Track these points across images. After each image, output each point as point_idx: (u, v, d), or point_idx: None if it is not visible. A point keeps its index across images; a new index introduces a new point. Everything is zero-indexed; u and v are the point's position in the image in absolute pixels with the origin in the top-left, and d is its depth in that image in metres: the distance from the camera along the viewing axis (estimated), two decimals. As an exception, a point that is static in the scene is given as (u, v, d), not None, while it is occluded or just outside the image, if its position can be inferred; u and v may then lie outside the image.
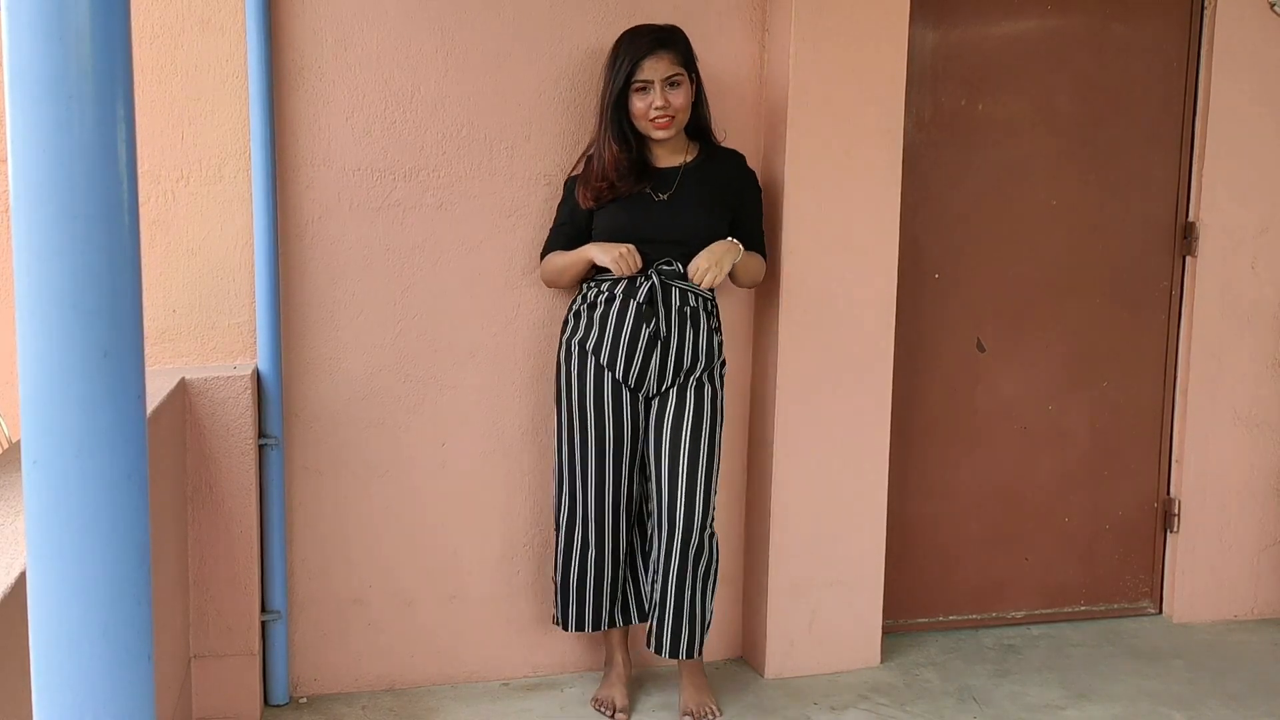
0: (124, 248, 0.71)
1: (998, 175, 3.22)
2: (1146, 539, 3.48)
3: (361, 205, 2.75)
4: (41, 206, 0.69)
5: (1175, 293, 3.40)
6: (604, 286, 2.67)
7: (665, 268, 2.63)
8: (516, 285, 2.86)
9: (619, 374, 2.65)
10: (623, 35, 2.65)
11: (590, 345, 2.67)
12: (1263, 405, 3.42)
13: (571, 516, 2.74)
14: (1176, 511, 3.43)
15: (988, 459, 3.31)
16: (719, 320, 2.75)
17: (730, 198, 2.71)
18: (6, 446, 2.49)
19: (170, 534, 2.40)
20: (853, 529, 3.02)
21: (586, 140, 2.84)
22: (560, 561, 2.78)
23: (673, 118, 2.61)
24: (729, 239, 2.66)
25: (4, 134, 0.73)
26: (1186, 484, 3.41)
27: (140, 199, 2.27)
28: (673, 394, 2.67)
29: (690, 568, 2.68)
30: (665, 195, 2.66)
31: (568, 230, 2.73)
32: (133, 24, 0.74)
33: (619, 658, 2.86)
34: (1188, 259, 3.37)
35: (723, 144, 2.78)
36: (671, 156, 2.70)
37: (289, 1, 2.66)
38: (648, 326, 2.62)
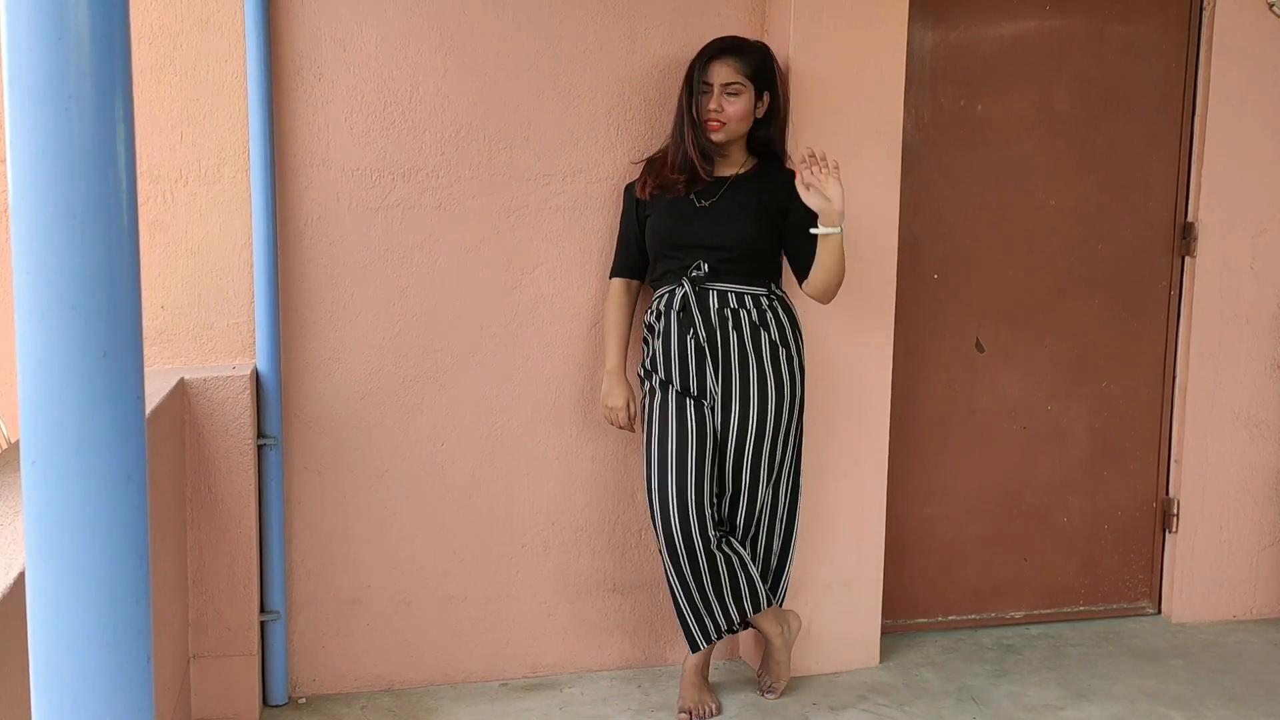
0: (123, 248, 0.71)
1: (997, 176, 3.22)
2: (1145, 539, 3.49)
3: (360, 205, 2.75)
4: (41, 207, 0.69)
5: (1174, 293, 3.40)
6: (657, 305, 2.73)
7: (695, 273, 2.66)
8: (516, 285, 2.86)
9: (678, 386, 2.67)
10: (706, 45, 2.69)
11: (649, 364, 2.73)
12: (1262, 405, 3.42)
13: (669, 535, 2.66)
14: (1175, 511, 3.43)
15: (987, 459, 3.31)
16: (784, 311, 2.72)
17: (774, 211, 2.68)
18: (5, 446, 2.49)
19: (169, 534, 2.40)
20: (852, 529, 3.02)
21: (586, 140, 2.85)
22: (673, 584, 2.70)
23: (723, 124, 2.63)
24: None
25: (3, 134, 0.73)
26: (1185, 484, 3.41)
27: (139, 199, 2.27)
28: (735, 394, 2.66)
29: (768, 544, 2.77)
30: (707, 203, 2.68)
31: (630, 248, 2.79)
32: (132, 24, 0.74)
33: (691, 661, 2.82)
34: (1187, 259, 3.37)
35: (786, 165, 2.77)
36: (727, 167, 2.72)
37: (288, 1, 2.66)
38: (690, 335, 2.65)
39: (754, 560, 2.77)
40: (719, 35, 2.77)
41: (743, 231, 2.66)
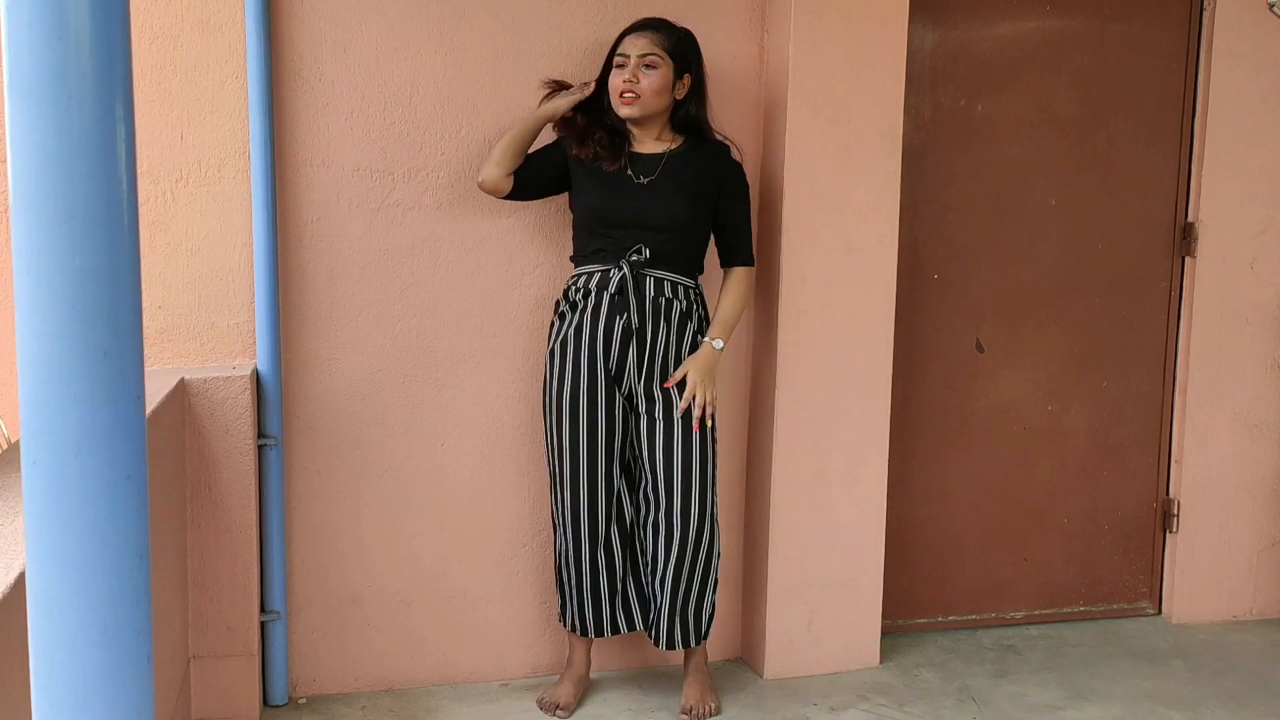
0: (123, 248, 0.72)
1: (997, 175, 3.22)
2: (1146, 539, 3.48)
3: (361, 205, 2.75)
4: (41, 207, 0.69)
5: (1174, 293, 3.40)
6: (580, 282, 2.67)
7: (635, 257, 2.61)
8: (516, 285, 2.86)
9: (600, 368, 2.64)
10: (629, 26, 2.66)
11: (570, 344, 2.66)
12: (1262, 405, 3.42)
13: (562, 518, 2.73)
14: (1176, 512, 3.43)
15: (987, 459, 3.31)
16: (704, 309, 2.72)
17: (710, 188, 2.67)
18: (6, 446, 2.49)
19: (169, 534, 2.40)
20: (852, 529, 3.02)
21: (586, 140, 2.85)
22: (557, 563, 2.78)
23: (638, 96, 2.60)
24: (709, 342, 2.65)
25: (4, 134, 0.73)
26: (1186, 484, 3.41)
27: (139, 199, 2.27)
28: (655, 389, 2.65)
29: (690, 558, 2.68)
30: (647, 179, 2.65)
31: (531, 168, 2.70)
32: (132, 24, 0.74)
33: (579, 658, 2.84)
34: (1187, 259, 3.37)
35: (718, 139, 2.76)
36: (654, 144, 2.69)
37: (288, 2, 2.66)
38: (621, 319, 2.62)
39: (673, 590, 2.69)
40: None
41: (682, 212, 2.63)
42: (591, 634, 2.78)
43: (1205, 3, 3.28)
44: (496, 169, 2.66)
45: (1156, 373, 3.42)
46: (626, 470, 2.75)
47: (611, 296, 2.62)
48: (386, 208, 2.77)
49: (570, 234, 2.77)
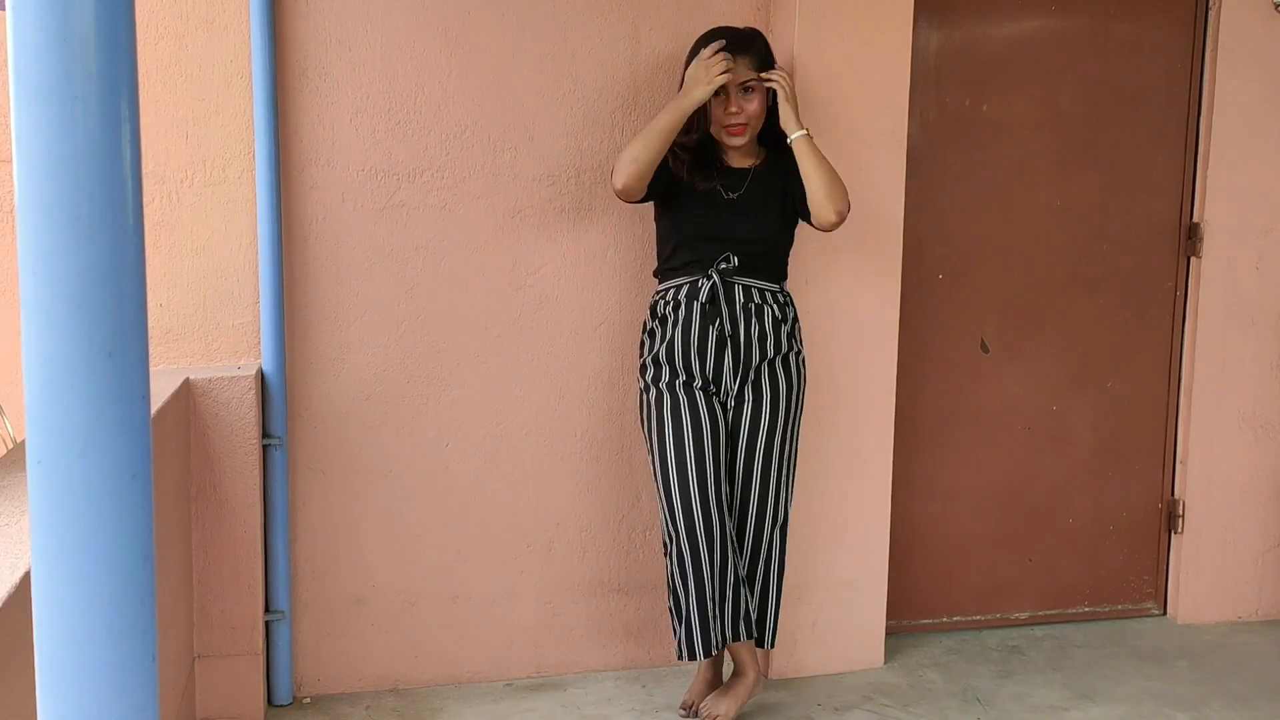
0: (128, 248, 0.72)
1: (1002, 176, 3.22)
2: (1150, 540, 3.48)
3: (365, 206, 2.76)
4: (46, 207, 0.69)
5: (1179, 293, 3.39)
6: (669, 295, 2.65)
7: (724, 265, 2.61)
8: (520, 286, 2.87)
9: (697, 379, 2.61)
10: (701, 37, 2.62)
11: (663, 356, 2.63)
12: (1267, 406, 3.41)
13: (676, 538, 2.60)
14: (1181, 512, 3.43)
15: (991, 459, 3.31)
16: (794, 310, 2.72)
17: (788, 198, 2.67)
18: (11, 446, 2.49)
19: (174, 534, 2.41)
20: (856, 529, 3.02)
21: (590, 140, 2.85)
22: (671, 586, 2.63)
23: (746, 124, 2.60)
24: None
25: (9, 135, 0.73)
26: (1191, 485, 3.40)
27: (144, 200, 2.27)
28: (748, 391, 2.65)
29: (766, 561, 2.67)
30: (735, 195, 2.65)
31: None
32: (137, 25, 0.74)
33: (705, 672, 2.79)
34: (1192, 260, 3.36)
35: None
36: (743, 159, 2.69)
37: (293, 2, 2.66)
38: (714, 327, 2.62)
39: (750, 592, 2.68)
40: (735, 30, 2.71)
41: (770, 226, 2.64)
42: (713, 650, 2.62)
43: (1210, 3, 3.27)
44: (633, 169, 2.52)
45: (1161, 373, 3.42)
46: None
47: (702, 306, 2.61)
48: (391, 208, 2.77)
49: (653, 247, 2.77)
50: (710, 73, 2.52)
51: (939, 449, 3.26)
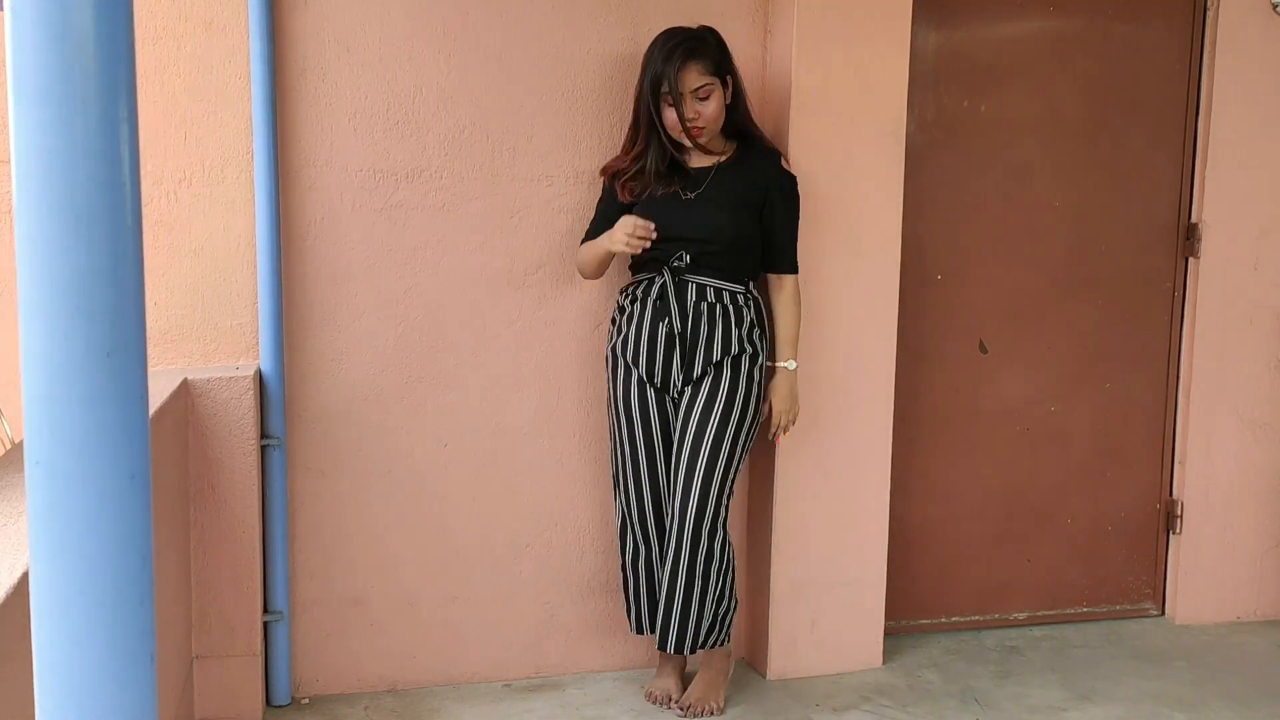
0: (126, 248, 0.72)
1: (1000, 176, 3.22)
2: (1149, 540, 3.48)
3: (364, 206, 2.76)
4: (45, 207, 0.69)
5: (1178, 294, 3.39)
6: (628, 289, 2.73)
7: (676, 264, 2.64)
8: (519, 286, 2.87)
9: (644, 373, 2.69)
10: (654, 41, 2.62)
11: (618, 349, 2.73)
12: (1265, 406, 3.41)
13: (624, 520, 2.78)
14: (1179, 513, 3.43)
15: (990, 460, 3.31)
16: (754, 313, 2.72)
17: (756, 197, 2.68)
18: (9, 446, 2.49)
19: (172, 534, 2.40)
20: (855, 530, 3.02)
21: (589, 141, 2.84)
22: (621, 565, 2.82)
23: (704, 128, 2.61)
24: (785, 364, 2.73)
25: (7, 135, 0.73)
26: (1189, 485, 3.41)
27: (143, 200, 2.27)
28: (691, 390, 2.68)
29: (690, 563, 2.67)
30: (693, 194, 2.67)
31: (603, 224, 2.71)
32: (135, 25, 0.74)
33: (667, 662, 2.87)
34: (1190, 260, 3.37)
35: (763, 138, 2.76)
36: (706, 157, 2.69)
37: (292, 2, 2.66)
38: (663, 324, 2.65)
39: (692, 595, 2.68)
40: (685, 34, 2.64)
41: (725, 225, 2.64)
42: (648, 631, 2.81)
43: (1209, 3, 3.28)
44: (583, 275, 2.79)
45: (1160, 373, 3.42)
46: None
47: (654, 302, 2.66)
48: (390, 208, 2.77)
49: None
50: (630, 240, 2.56)
51: (938, 449, 3.26)
